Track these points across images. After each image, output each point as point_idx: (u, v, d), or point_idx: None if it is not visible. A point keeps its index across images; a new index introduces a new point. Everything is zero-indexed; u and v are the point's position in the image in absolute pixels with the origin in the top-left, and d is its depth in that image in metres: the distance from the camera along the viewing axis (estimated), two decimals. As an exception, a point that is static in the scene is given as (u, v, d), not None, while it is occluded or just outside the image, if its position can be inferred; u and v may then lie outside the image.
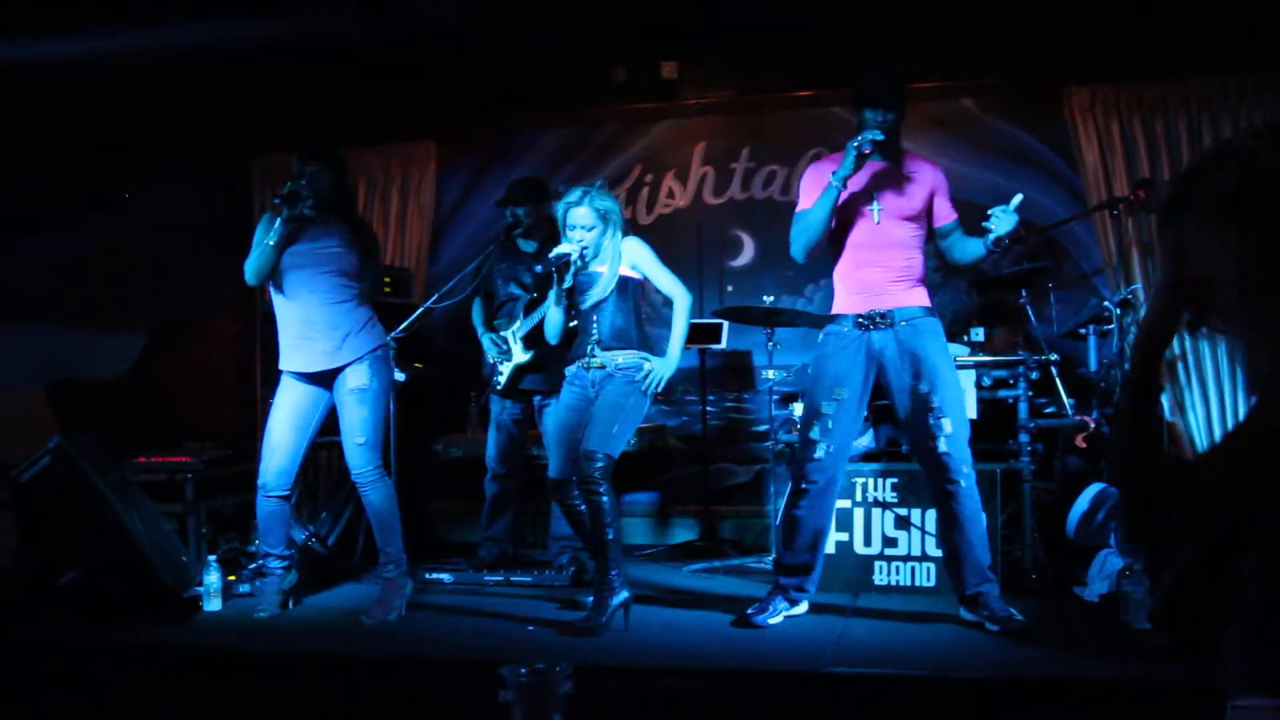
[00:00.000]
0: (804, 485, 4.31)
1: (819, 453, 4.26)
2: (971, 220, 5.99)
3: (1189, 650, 3.62)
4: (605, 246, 4.42)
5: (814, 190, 4.27)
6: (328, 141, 4.76)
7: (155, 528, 4.80)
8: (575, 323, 4.58)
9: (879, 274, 4.25)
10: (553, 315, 4.55)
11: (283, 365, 4.68)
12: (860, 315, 4.25)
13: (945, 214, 4.34)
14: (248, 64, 6.37)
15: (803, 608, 4.45)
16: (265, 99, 6.75)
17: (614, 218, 4.44)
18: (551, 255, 4.46)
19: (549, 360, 5.25)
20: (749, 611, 4.33)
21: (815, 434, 4.27)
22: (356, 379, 4.57)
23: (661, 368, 4.40)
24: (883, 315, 4.22)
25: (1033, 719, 3.44)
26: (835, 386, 4.25)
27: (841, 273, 4.36)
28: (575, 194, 4.44)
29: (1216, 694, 1.56)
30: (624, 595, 4.30)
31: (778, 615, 4.34)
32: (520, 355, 5.42)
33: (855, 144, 4.09)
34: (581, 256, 4.39)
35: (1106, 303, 5.27)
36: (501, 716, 3.43)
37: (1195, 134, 5.79)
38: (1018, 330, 5.57)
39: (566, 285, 4.45)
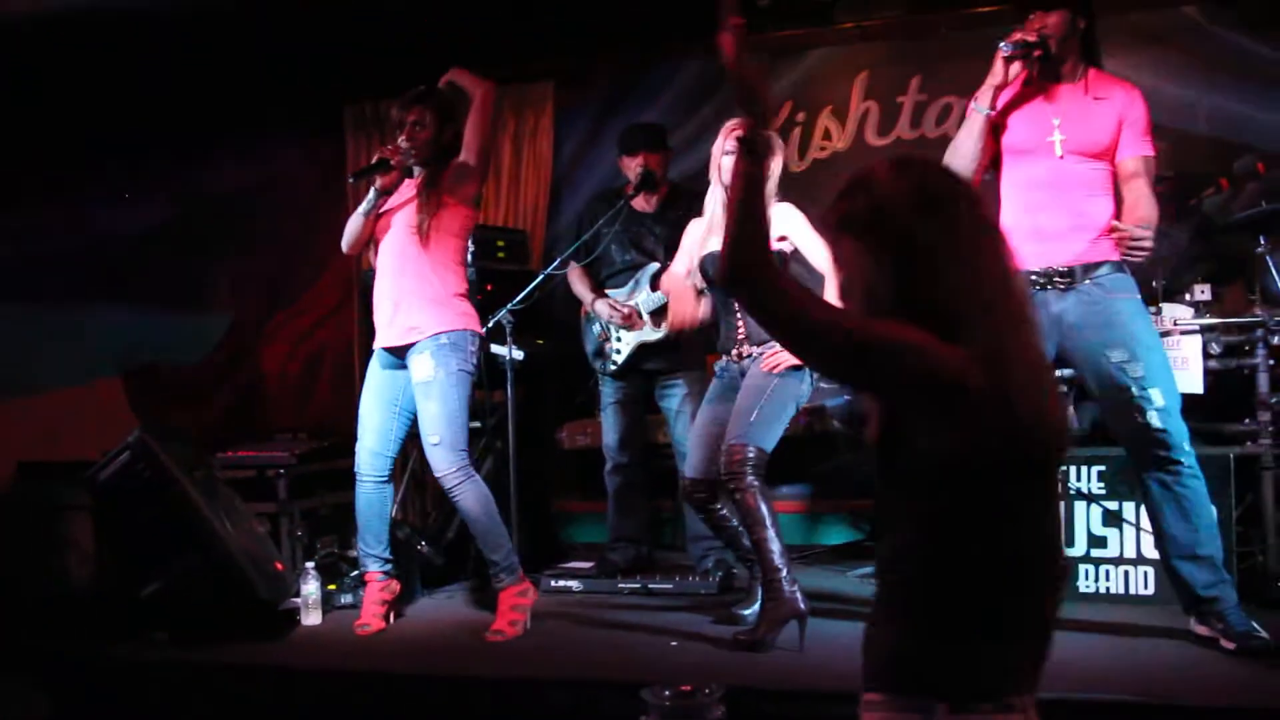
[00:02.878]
0: None
1: None
2: (1198, 153, 5.88)
3: None
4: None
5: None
6: (426, 84, 4.81)
7: (247, 531, 4.93)
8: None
9: (1058, 220, 4.09)
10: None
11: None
12: (1036, 272, 4.09)
13: (1129, 148, 4.10)
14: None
15: None
16: (357, 39, 6.84)
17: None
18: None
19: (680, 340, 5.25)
20: None
21: None
22: (420, 370, 4.61)
23: None
24: (1062, 273, 4.07)
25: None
26: None
27: (1011, 218, 4.17)
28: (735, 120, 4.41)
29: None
30: (798, 606, 4.24)
31: None
32: (651, 333, 5.41)
33: (1001, 48, 4.02)
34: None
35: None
36: (643, 747, 3.43)
37: None
38: (1254, 286, 5.35)
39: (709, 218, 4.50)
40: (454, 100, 4.83)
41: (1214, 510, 4.10)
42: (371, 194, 4.71)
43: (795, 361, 4.28)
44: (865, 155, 6.55)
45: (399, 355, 4.70)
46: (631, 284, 5.54)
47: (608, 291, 5.60)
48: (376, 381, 4.79)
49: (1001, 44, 4.04)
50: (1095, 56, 4.19)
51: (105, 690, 4.39)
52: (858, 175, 2.01)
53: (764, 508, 4.22)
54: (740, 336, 4.46)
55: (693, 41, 6.73)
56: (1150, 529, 4.42)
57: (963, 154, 4.16)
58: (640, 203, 5.56)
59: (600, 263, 5.65)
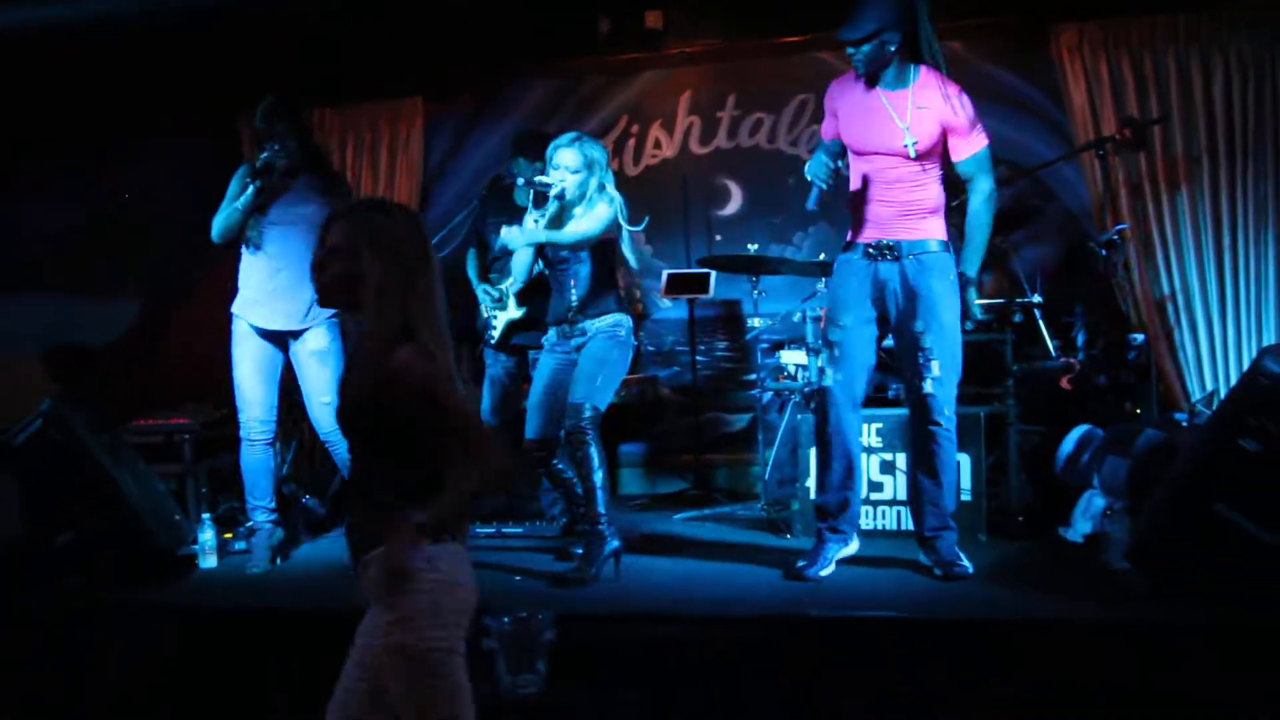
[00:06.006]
0: (821, 418, 4.27)
1: (828, 381, 4.22)
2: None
3: (1164, 588, 3.69)
4: (586, 200, 4.44)
5: (827, 117, 4.30)
6: (308, 100, 4.80)
7: (148, 488, 4.88)
8: (545, 271, 4.66)
9: (887, 209, 4.16)
10: (520, 255, 4.57)
11: (238, 312, 4.79)
12: (869, 245, 4.18)
13: (957, 152, 4.15)
14: (229, 22, 6.37)
15: (854, 547, 4.40)
16: (249, 57, 6.74)
17: (599, 169, 4.46)
18: (536, 179, 4.49)
19: (542, 316, 5.30)
20: (800, 565, 4.25)
21: (825, 362, 4.25)
22: (317, 341, 4.65)
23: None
24: (890, 247, 4.14)
25: (1008, 659, 3.50)
26: (841, 314, 4.21)
27: (852, 203, 4.28)
28: (567, 136, 4.49)
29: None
30: (614, 545, 4.36)
31: (829, 565, 4.28)
32: (514, 310, 5.47)
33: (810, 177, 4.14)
34: (560, 196, 4.42)
35: (1091, 244, 5.29)
36: (487, 664, 3.53)
37: (1184, 70, 5.74)
38: (1005, 274, 5.59)
39: (539, 217, 4.47)
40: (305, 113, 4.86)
41: (956, 468, 4.30)
42: (251, 191, 4.66)
43: None
44: (690, 161, 6.67)
45: (274, 336, 4.70)
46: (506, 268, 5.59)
47: (491, 276, 5.65)
48: (261, 358, 4.77)
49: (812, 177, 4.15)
50: (920, 56, 4.13)
51: (29, 629, 4.33)
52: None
53: (597, 460, 4.33)
54: (572, 306, 4.49)
55: (542, 62, 6.79)
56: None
57: (811, 188, 4.20)
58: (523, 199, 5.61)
59: (487, 251, 5.70)
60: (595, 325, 4.45)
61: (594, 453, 4.32)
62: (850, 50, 4.06)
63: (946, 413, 4.16)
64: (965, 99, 4.13)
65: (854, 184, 4.25)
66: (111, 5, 6.10)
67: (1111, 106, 5.82)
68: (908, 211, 4.15)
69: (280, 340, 4.72)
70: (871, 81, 4.14)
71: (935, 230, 4.18)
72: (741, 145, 6.61)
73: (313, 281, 2.49)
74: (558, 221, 4.47)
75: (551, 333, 4.58)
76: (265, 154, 4.67)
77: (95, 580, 4.58)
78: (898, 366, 4.35)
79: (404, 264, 2.41)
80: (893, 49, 4.05)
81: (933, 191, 4.18)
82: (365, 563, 2.42)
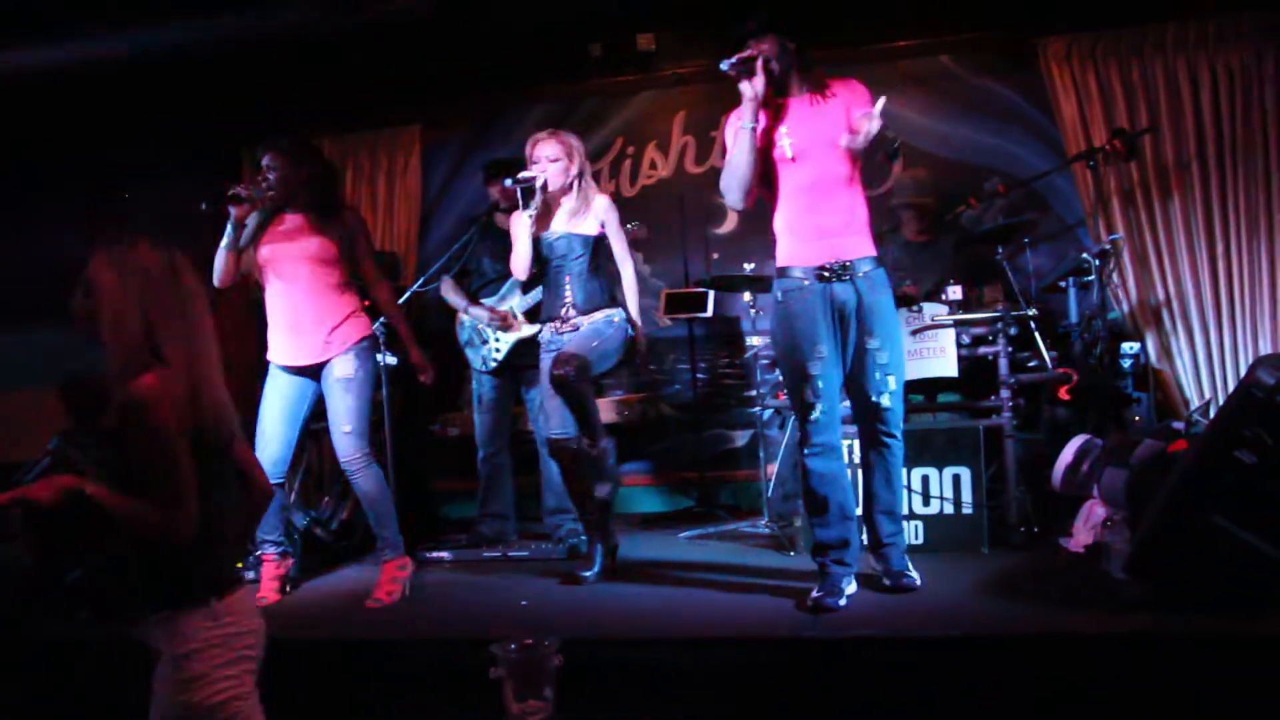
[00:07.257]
0: (810, 452, 4.10)
1: (817, 414, 4.04)
2: (953, 176, 6.11)
3: (1165, 598, 3.68)
4: (577, 191, 4.55)
5: (733, 136, 4.09)
6: (307, 130, 4.78)
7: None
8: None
9: (833, 218, 3.97)
10: (520, 245, 4.61)
11: (270, 357, 4.74)
12: (821, 267, 3.97)
13: (852, 125, 3.85)
14: (230, 58, 6.41)
15: (853, 586, 4.17)
16: (251, 92, 6.77)
17: (579, 155, 4.59)
18: (520, 175, 4.55)
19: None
20: (816, 596, 4.01)
21: (810, 396, 4.04)
22: (343, 369, 4.59)
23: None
24: (845, 266, 3.96)
25: (1011, 672, 3.49)
26: (815, 344, 4.01)
27: (791, 220, 4.05)
28: (543, 132, 4.65)
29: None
30: (614, 541, 4.67)
31: (844, 595, 4.05)
32: (528, 329, 5.45)
33: (722, 66, 3.95)
34: (544, 187, 4.52)
35: (1085, 254, 5.28)
36: (494, 692, 3.51)
37: (1172, 80, 5.77)
38: (1006, 286, 5.56)
39: (531, 211, 4.52)
40: (308, 148, 4.81)
41: (903, 476, 4.33)
42: (229, 228, 4.59)
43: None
44: (685, 181, 6.70)
45: (306, 370, 4.66)
46: (503, 291, 5.59)
47: (481, 300, 5.63)
48: (281, 395, 4.69)
49: (722, 64, 3.95)
50: (807, 66, 4.05)
51: (38, 663, 4.33)
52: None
53: (611, 464, 4.57)
54: (567, 302, 4.55)
55: (537, 89, 6.82)
56: (914, 489, 4.60)
57: (739, 169, 4.01)
58: (504, 221, 5.61)
59: (473, 275, 5.70)
60: (588, 322, 4.58)
61: (610, 455, 4.52)
62: (751, 54, 3.93)
63: (900, 426, 4.15)
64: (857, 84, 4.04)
65: (788, 200, 4.05)
66: (114, 45, 6.12)
67: (1101, 117, 5.85)
68: (851, 221, 4.00)
69: (312, 373, 4.69)
70: (780, 90, 4.05)
71: (870, 245, 4.05)
72: (737, 164, 6.59)
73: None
74: (547, 217, 4.60)
75: (546, 330, 4.61)
76: (236, 187, 4.61)
77: (105, 613, 4.57)
78: (850, 383, 4.15)
79: (144, 282, 2.51)
80: (791, 47, 3.99)
81: (865, 198, 4.07)
82: (150, 621, 2.51)
